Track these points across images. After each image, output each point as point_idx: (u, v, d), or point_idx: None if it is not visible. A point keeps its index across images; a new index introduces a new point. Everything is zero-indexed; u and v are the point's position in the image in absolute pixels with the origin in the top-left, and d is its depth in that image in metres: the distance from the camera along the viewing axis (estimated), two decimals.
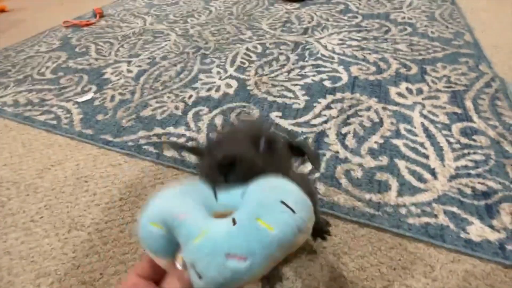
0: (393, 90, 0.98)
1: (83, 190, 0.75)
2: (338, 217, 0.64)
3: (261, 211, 0.24)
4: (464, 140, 0.78)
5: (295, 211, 0.24)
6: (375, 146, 0.79)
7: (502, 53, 1.13)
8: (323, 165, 0.75)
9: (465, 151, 0.76)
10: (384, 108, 0.91)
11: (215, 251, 0.23)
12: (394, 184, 0.69)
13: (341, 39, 1.30)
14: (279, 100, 0.98)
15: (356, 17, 1.49)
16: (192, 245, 0.24)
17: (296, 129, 0.86)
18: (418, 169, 0.72)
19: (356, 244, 0.59)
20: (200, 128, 0.90)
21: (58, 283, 0.57)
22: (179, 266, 0.26)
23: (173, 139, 0.87)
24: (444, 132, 0.81)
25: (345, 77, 1.06)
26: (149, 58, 1.29)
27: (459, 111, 0.88)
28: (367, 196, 0.67)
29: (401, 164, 0.73)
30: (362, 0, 1.69)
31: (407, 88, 0.98)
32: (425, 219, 0.61)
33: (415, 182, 0.69)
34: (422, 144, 0.78)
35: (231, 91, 1.04)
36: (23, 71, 1.29)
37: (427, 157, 0.75)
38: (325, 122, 0.88)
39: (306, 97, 0.98)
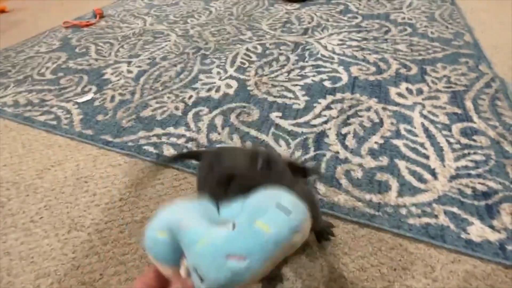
0: (393, 91, 0.98)
1: (83, 191, 0.75)
2: (338, 217, 0.64)
3: (258, 213, 0.26)
4: (464, 141, 0.78)
5: (290, 212, 0.26)
6: (375, 146, 0.79)
7: (502, 53, 1.13)
8: (323, 165, 0.75)
9: (465, 151, 0.75)
10: (384, 109, 0.91)
11: (215, 253, 0.24)
12: (394, 184, 0.69)
13: (341, 40, 1.30)
14: (279, 100, 0.98)
15: (356, 18, 1.49)
16: (194, 249, 0.25)
17: (296, 129, 0.86)
18: (418, 169, 0.72)
19: (357, 244, 0.59)
20: (200, 129, 0.90)
21: (58, 284, 0.57)
22: (183, 273, 0.27)
23: (173, 139, 0.87)
24: (444, 132, 0.81)
25: (345, 78, 1.06)
26: (149, 58, 1.29)
27: (459, 111, 0.88)
28: (367, 196, 0.67)
29: (401, 164, 0.73)
30: (362, 0, 1.69)
31: (407, 89, 0.98)
32: (426, 220, 0.61)
33: (415, 183, 0.69)
34: (422, 145, 0.78)
35: (231, 91, 1.04)
36: (23, 71, 1.29)
37: (427, 157, 0.75)
38: (325, 122, 0.88)
39: (306, 98, 0.98)
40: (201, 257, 0.25)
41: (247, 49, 1.29)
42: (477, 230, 0.59)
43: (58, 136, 0.93)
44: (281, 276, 0.54)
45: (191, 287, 0.26)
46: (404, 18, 1.44)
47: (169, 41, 1.42)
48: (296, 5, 1.70)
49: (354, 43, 1.26)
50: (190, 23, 1.59)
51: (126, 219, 0.68)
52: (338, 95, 0.98)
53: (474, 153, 0.75)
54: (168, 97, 1.04)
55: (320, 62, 1.16)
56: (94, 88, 1.13)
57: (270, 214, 0.26)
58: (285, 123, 0.89)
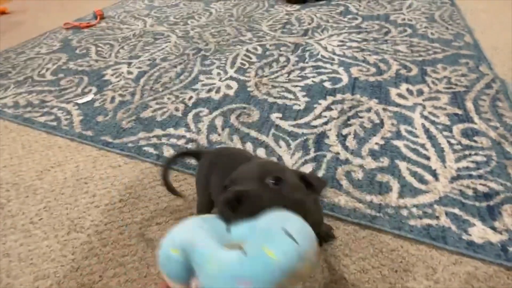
0: (393, 91, 0.98)
1: (83, 192, 0.75)
2: (339, 218, 0.63)
3: (266, 240, 0.27)
4: (465, 141, 0.78)
5: (297, 240, 0.27)
6: (376, 147, 0.78)
7: (502, 54, 1.13)
8: (323, 166, 0.74)
9: (466, 152, 0.75)
10: (384, 109, 0.91)
11: (226, 276, 0.26)
12: (395, 185, 0.69)
13: (341, 41, 1.30)
14: (280, 101, 0.98)
15: (356, 19, 1.49)
16: (206, 270, 0.27)
17: (296, 130, 0.86)
18: (419, 170, 0.71)
19: (357, 246, 0.59)
20: (200, 130, 0.89)
21: (57, 286, 0.57)
22: None
23: (173, 140, 0.87)
24: (445, 133, 0.81)
25: (345, 78, 1.06)
26: (149, 59, 1.29)
27: (459, 112, 0.88)
28: (368, 197, 0.66)
29: (402, 165, 0.73)
30: (362, 1, 1.69)
31: (407, 89, 0.98)
32: (427, 221, 0.61)
33: (416, 184, 0.69)
34: (423, 145, 0.78)
35: (231, 92, 1.04)
36: (23, 72, 1.29)
37: (428, 158, 0.74)
38: (326, 123, 0.88)
39: (306, 98, 0.98)
40: (212, 278, 0.26)
41: (247, 50, 1.29)
42: (478, 232, 0.59)
43: (58, 137, 0.93)
44: None
45: None
46: (404, 19, 1.44)
47: (169, 42, 1.43)
48: (296, 6, 1.70)
49: (354, 44, 1.26)
50: (190, 24, 1.59)
51: (126, 220, 0.67)
52: (339, 96, 0.98)
53: (475, 154, 0.74)
54: (168, 98, 1.04)
55: (320, 63, 1.16)
56: (94, 89, 1.13)
57: (279, 242, 0.27)
58: (285, 124, 0.88)
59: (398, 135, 0.81)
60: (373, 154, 0.77)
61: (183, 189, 0.73)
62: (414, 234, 0.59)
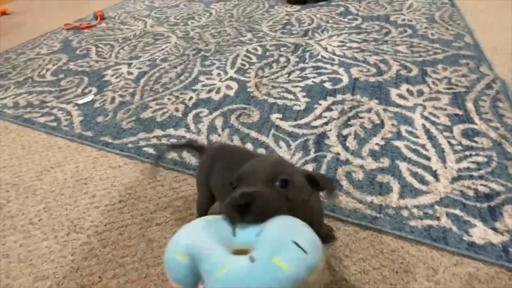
0: (393, 92, 0.98)
1: (83, 192, 0.75)
2: (339, 219, 0.63)
3: (276, 250, 0.27)
4: (465, 142, 0.78)
5: (307, 251, 0.27)
6: (376, 147, 0.78)
7: (503, 54, 1.13)
8: (323, 166, 0.74)
9: (467, 152, 0.75)
10: (385, 110, 0.91)
11: (236, 285, 0.25)
12: (395, 186, 0.68)
13: (341, 41, 1.30)
14: (280, 102, 0.98)
15: (356, 19, 1.49)
16: (215, 277, 0.26)
17: (296, 130, 0.86)
18: (419, 171, 0.71)
19: (358, 247, 0.58)
20: (200, 130, 0.89)
21: (57, 286, 0.57)
22: None
23: (173, 141, 0.86)
24: (446, 133, 0.81)
25: (345, 79, 1.06)
26: (149, 60, 1.29)
27: (460, 112, 0.87)
28: (369, 198, 0.66)
29: (403, 166, 0.73)
30: (362, 2, 1.69)
31: (407, 90, 0.98)
32: (427, 222, 0.61)
33: (416, 184, 0.68)
34: (423, 146, 0.78)
35: (231, 93, 1.04)
36: (23, 73, 1.29)
37: (428, 159, 0.74)
38: (326, 123, 0.87)
39: (306, 99, 0.98)
40: (222, 285, 0.26)
41: (247, 51, 1.29)
42: (479, 232, 0.59)
43: (58, 137, 0.93)
44: None
45: None
46: (404, 20, 1.44)
47: (170, 43, 1.43)
48: (296, 7, 1.70)
49: (355, 45, 1.26)
50: (190, 25, 1.60)
51: (126, 221, 0.67)
52: (339, 97, 0.98)
53: (476, 155, 0.74)
54: (168, 99, 1.04)
55: (320, 64, 1.16)
56: (94, 90, 1.13)
57: (288, 252, 0.27)
58: (286, 125, 0.88)
59: (398, 136, 0.81)
60: (374, 154, 0.76)
61: (183, 190, 0.72)
62: (414, 235, 0.59)
